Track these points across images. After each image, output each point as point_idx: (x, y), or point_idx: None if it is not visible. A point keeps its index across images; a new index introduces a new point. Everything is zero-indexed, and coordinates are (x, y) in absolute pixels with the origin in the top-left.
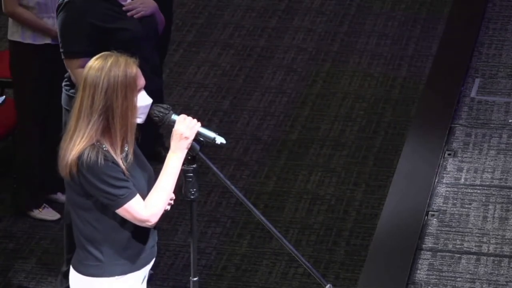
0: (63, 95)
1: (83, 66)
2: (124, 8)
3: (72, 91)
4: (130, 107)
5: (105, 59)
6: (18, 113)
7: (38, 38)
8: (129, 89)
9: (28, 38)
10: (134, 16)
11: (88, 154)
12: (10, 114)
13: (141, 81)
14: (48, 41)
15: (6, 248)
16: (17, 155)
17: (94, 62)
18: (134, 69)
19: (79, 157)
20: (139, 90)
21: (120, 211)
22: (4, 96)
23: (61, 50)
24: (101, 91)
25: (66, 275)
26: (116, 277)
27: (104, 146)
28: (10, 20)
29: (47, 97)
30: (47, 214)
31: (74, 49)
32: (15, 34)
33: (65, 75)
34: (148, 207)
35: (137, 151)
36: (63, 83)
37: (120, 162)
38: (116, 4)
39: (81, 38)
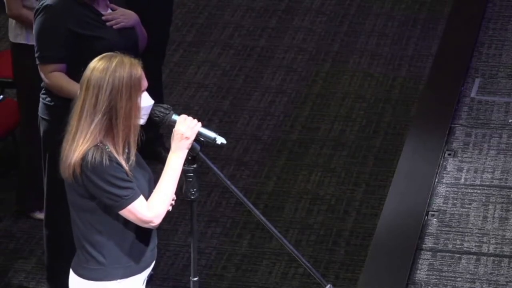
0: (40, 104)
1: (56, 71)
2: (103, 18)
3: (48, 99)
4: (133, 108)
5: (109, 60)
6: (22, 115)
7: None
8: (134, 90)
9: (33, 40)
10: (114, 27)
11: (92, 155)
12: (10, 114)
13: (145, 83)
14: None
15: (6, 248)
16: (22, 157)
17: (98, 63)
18: (138, 70)
19: (83, 157)
20: (142, 92)
21: (124, 212)
22: (1, 96)
23: (36, 54)
24: (106, 92)
25: (50, 281)
26: (118, 280)
27: (107, 147)
28: (12, 22)
29: None
30: None
31: (49, 54)
32: (19, 36)
33: (42, 84)
34: (151, 208)
35: (136, 153)
36: (41, 92)
37: (123, 163)
38: (95, 13)
39: (57, 43)
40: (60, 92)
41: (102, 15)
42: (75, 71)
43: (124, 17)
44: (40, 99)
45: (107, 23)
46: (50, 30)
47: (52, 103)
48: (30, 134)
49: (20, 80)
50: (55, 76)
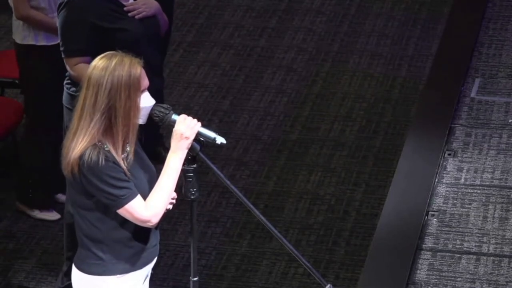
0: (64, 94)
1: (82, 63)
2: (125, 8)
3: (73, 89)
4: (133, 107)
5: (109, 59)
6: (28, 116)
7: (50, 39)
8: (133, 90)
9: (41, 40)
10: (136, 17)
11: (89, 155)
12: (10, 114)
13: (145, 82)
14: (58, 40)
15: (6, 248)
16: (25, 157)
17: (98, 62)
18: (138, 70)
19: (81, 156)
20: (143, 91)
21: (121, 212)
22: None
23: (61, 48)
24: (105, 91)
25: (67, 274)
26: (118, 275)
27: (105, 146)
28: (19, 24)
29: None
30: (47, 214)
31: (74, 48)
32: (27, 37)
33: (66, 74)
34: (149, 207)
35: (140, 151)
36: (65, 82)
37: (121, 163)
38: (117, 4)
39: (81, 37)
40: None
41: (124, 5)
42: None
43: (146, 6)
44: (65, 89)
45: (129, 14)
46: (74, 24)
47: (78, 93)
48: (35, 134)
49: (27, 81)
50: (80, 68)
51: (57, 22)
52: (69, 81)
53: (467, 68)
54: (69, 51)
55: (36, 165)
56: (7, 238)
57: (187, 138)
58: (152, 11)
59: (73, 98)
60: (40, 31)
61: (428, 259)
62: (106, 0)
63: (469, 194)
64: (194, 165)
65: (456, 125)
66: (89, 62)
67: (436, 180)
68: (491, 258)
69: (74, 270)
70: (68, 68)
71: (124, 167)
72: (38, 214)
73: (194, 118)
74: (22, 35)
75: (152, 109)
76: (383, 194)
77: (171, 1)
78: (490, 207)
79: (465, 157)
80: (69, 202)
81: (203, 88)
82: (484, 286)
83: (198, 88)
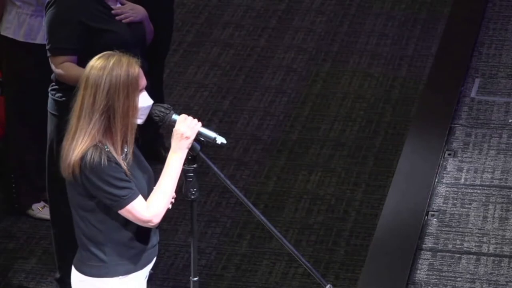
0: (49, 100)
1: (67, 62)
2: (113, 12)
3: (58, 95)
4: (131, 107)
5: (107, 59)
6: (9, 111)
7: (29, 36)
8: (131, 89)
9: (23, 36)
10: (123, 21)
11: (91, 155)
12: None
13: (143, 82)
14: (39, 41)
15: (6, 248)
16: (12, 155)
17: (96, 62)
18: (136, 69)
19: (82, 157)
20: (141, 90)
21: (123, 212)
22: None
23: (47, 46)
24: (103, 91)
25: (60, 281)
26: (120, 277)
27: (106, 146)
28: (5, 14)
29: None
30: (47, 214)
31: (61, 46)
32: (7, 30)
33: (52, 77)
34: (150, 207)
35: (137, 152)
36: (50, 88)
37: (122, 163)
38: (105, 6)
39: (69, 35)
40: (72, 81)
41: (112, 9)
42: (85, 64)
43: (133, 11)
44: (50, 95)
45: (117, 17)
46: (61, 22)
47: (63, 99)
48: (16, 130)
49: (6, 74)
50: (66, 66)
51: (44, 19)
52: (55, 87)
53: (467, 68)
54: (55, 49)
55: (21, 162)
56: (7, 238)
57: (187, 138)
58: (139, 17)
59: (58, 104)
60: (21, 27)
61: (428, 259)
62: (94, 1)
63: (469, 194)
64: (194, 165)
65: (456, 125)
66: (75, 62)
67: (436, 180)
68: (491, 258)
69: (74, 272)
70: (53, 67)
71: (125, 167)
72: (38, 213)
73: (194, 118)
74: (4, 26)
75: (153, 108)
76: (383, 194)
77: (171, 1)
78: (490, 207)
79: (465, 157)
80: (54, 212)
81: (203, 88)
82: (484, 286)
83: (198, 88)
